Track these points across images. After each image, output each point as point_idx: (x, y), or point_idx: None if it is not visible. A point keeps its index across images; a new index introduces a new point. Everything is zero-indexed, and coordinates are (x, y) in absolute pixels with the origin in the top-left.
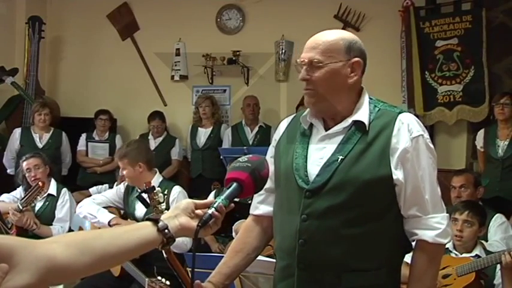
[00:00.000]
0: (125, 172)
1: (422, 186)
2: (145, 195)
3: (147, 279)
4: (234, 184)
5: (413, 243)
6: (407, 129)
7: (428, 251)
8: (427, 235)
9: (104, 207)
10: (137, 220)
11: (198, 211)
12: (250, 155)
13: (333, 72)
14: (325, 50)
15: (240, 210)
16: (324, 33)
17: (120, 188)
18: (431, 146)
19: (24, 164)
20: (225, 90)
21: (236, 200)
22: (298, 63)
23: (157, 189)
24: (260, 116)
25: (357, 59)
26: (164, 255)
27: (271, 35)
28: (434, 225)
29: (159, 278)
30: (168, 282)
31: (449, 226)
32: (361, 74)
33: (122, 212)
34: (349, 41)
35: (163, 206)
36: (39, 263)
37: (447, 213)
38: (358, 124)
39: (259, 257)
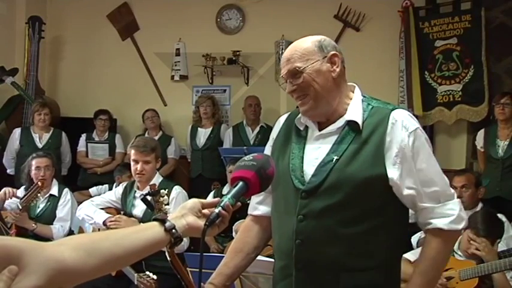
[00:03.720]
0: (146, 167)
1: (430, 178)
2: (149, 198)
3: (136, 275)
4: (240, 183)
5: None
6: (402, 125)
7: (443, 237)
8: (442, 223)
9: (103, 208)
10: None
11: (205, 210)
12: (256, 154)
13: (315, 72)
14: (300, 57)
15: (240, 210)
16: (294, 44)
17: (118, 189)
18: (426, 136)
19: (34, 162)
20: (225, 90)
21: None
22: (281, 81)
23: (162, 191)
24: (260, 116)
25: (332, 52)
26: (168, 258)
27: (271, 35)
28: (447, 213)
29: (147, 273)
30: (155, 277)
31: (463, 211)
32: (343, 66)
33: (121, 212)
34: (318, 41)
35: (168, 208)
36: (47, 265)
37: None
38: (351, 123)
39: (259, 257)
